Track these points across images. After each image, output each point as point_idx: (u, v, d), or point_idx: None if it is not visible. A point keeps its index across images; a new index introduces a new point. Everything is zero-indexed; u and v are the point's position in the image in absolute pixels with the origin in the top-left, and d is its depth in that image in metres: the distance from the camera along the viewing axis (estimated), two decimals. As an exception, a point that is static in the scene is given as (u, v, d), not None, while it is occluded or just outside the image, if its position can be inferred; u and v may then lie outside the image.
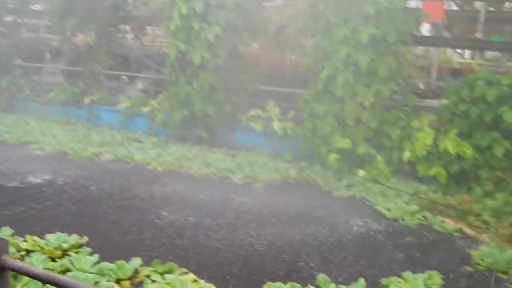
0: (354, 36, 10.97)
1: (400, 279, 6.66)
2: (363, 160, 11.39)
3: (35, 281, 6.02)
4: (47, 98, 16.66)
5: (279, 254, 7.49)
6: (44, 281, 3.26)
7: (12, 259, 3.33)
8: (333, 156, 11.04)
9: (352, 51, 11.05)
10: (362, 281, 6.39)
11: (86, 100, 15.82)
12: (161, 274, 6.50)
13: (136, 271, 6.58)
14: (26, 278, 6.03)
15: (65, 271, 6.36)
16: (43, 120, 16.19)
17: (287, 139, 12.52)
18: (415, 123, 10.93)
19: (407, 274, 6.77)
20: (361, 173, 11.15)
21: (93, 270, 6.49)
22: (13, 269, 3.32)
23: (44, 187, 10.03)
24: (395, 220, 9.19)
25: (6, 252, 3.32)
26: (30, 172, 10.94)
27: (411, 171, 11.03)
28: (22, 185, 10.07)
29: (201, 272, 6.66)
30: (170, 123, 13.81)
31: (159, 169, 11.71)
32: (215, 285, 6.24)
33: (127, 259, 6.68)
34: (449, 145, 10.25)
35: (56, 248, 7.03)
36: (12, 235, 7.30)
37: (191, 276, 6.40)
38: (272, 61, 14.31)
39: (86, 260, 6.65)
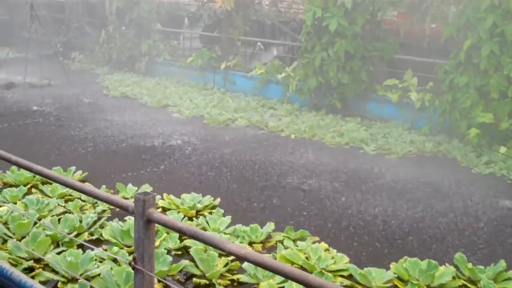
0: (501, 4, 10.34)
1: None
2: (505, 136, 10.78)
3: (173, 237, 6.27)
4: (185, 62, 17.10)
5: (414, 229, 7.28)
6: (188, 235, 3.33)
7: (158, 213, 3.43)
8: (473, 131, 10.54)
9: (499, 20, 10.43)
10: (502, 262, 6.06)
11: (222, 66, 16.08)
12: (293, 240, 6.53)
13: (269, 236, 6.67)
14: (165, 234, 6.29)
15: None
16: (181, 84, 16.67)
17: (424, 111, 12.08)
18: None
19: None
20: (503, 149, 10.57)
21: (227, 231, 6.66)
22: (158, 222, 3.42)
23: (180, 149, 10.35)
24: (539, 201, 8.68)
25: (153, 206, 3.42)
26: (168, 134, 11.35)
27: (559, 149, 10.34)
28: (160, 146, 10.47)
29: (332, 242, 6.63)
30: (304, 91, 13.75)
31: (292, 136, 11.73)
32: (347, 255, 6.17)
33: (257, 223, 6.78)
34: None
35: (191, 208, 7.27)
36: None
37: (323, 245, 6.37)
38: (411, 29, 13.81)
39: (221, 221, 6.83)
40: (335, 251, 6.24)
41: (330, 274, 5.66)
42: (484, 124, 10.58)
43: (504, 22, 10.38)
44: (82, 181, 7.98)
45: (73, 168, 8.41)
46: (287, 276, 2.93)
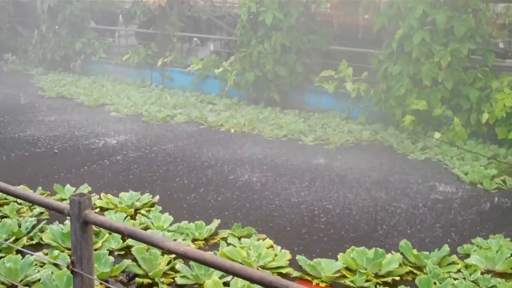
0: (431, -7, 10.64)
1: (475, 247, 6.48)
2: (439, 122, 11.10)
3: (116, 237, 6.19)
4: (121, 60, 16.88)
5: (356, 219, 7.39)
6: (126, 235, 3.31)
7: (94, 214, 3.39)
8: (408, 118, 10.79)
9: (429, 9, 10.71)
10: (446, 247, 6.21)
11: (159, 63, 15.95)
12: (239, 238, 6.51)
13: (215, 233, 6.63)
14: (107, 234, 6.22)
15: (144, 229, 6.49)
16: (118, 82, 16.46)
17: (360, 100, 12.29)
18: (495, 84, 10.51)
19: (485, 240, 6.59)
20: (437, 135, 10.86)
21: (171, 229, 6.61)
22: (95, 223, 3.37)
23: (119, 148, 10.24)
24: (472, 184, 8.92)
25: (89, 207, 3.38)
26: (106, 133, 11.20)
27: (490, 133, 10.66)
28: (98, 146, 10.32)
29: (276, 237, 6.65)
30: (242, 85, 13.79)
31: (232, 130, 11.76)
32: (292, 250, 6.17)
33: (197, 219, 6.77)
34: (530, 107, 9.85)
35: (129, 206, 7.20)
36: (89, 192, 7.52)
37: (268, 242, 6.35)
38: (345, 20, 14.02)
39: (164, 218, 6.78)
40: (279, 247, 6.24)
41: (268, 271, 5.64)
42: (418, 111, 10.84)
43: (433, 10, 10.66)
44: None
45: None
46: (228, 271, 2.94)
